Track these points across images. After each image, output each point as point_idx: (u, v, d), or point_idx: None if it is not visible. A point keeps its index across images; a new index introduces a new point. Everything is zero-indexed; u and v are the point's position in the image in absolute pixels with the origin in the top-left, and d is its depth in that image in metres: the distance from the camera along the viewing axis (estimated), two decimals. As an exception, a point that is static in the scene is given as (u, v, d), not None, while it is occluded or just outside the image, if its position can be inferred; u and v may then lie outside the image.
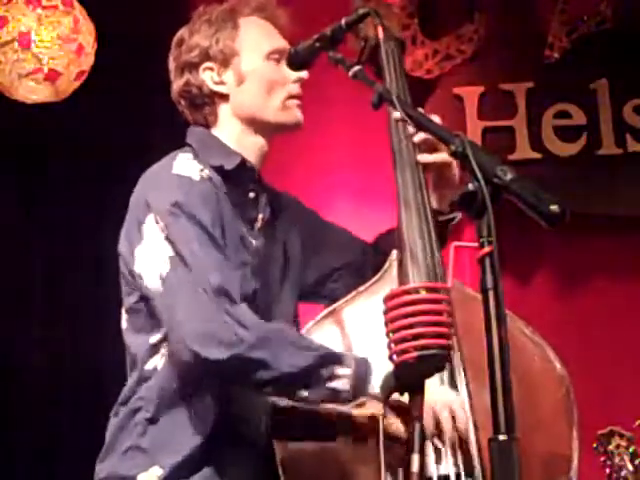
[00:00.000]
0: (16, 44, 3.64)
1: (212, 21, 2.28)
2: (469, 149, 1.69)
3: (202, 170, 2.17)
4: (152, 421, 2.12)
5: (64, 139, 4.14)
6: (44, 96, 3.76)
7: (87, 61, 3.76)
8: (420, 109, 2.14)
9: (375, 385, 1.97)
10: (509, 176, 1.63)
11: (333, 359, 1.99)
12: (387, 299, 1.83)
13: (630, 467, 3.07)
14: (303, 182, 3.65)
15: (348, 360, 2.00)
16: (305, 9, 3.99)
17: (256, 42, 2.28)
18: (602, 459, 3.11)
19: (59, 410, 4.06)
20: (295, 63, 2.20)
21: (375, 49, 2.31)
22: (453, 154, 1.73)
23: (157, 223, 2.10)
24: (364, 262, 2.41)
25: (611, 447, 3.10)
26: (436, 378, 1.99)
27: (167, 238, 2.07)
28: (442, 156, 2.16)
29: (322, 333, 2.15)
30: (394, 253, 2.24)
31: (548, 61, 4.32)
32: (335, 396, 1.99)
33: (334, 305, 2.20)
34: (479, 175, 1.63)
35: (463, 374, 2.07)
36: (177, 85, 2.29)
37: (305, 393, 2.00)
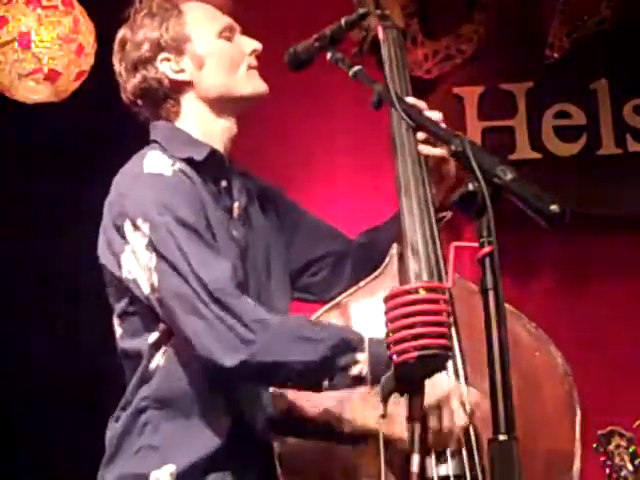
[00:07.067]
0: (16, 44, 3.64)
1: (154, 13, 2.23)
2: (469, 149, 1.69)
3: (173, 164, 2.12)
4: (163, 418, 2.08)
5: (64, 139, 4.13)
6: (44, 96, 3.76)
7: (87, 61, 3.76)
8: (422, 103, 2.15)
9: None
10: (509, 176, 1.63)
11: (348, 346, 1.93)
12: (387, 299, 1.83)
13: (630, 467, 3.07)
14: (304, 186, 3.64)
15: (363, 343, 1.94)
16: (305, 9, 4.01)
17: (205, 23, 2.26)
18: (602, 459, 3.11)
19: (59, 411, 4.07)
20: (294, 63, 2.20)
21: (376, 40, 2.31)
22: (453, 154, 1.73)
23: (137, 228, 2.05)
24: (343, 255, 2.38)
25: (611, 447, 3.09)
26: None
27: (150, 244, 2.02)
28: (442, 151, 2.13)
29: None
30: (394, 247, 2.22)
31: (548, 61, 4.32)
32: (358, 382, 1.94)
33: (334, 301, 2.18)
34: (479, 175, 1.63)
35: (462, 370, 2.05)
36: (132, 85, 2.24)
37: (327, 383, 1.95)
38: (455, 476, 1.97)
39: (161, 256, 2.02)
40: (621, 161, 4.28)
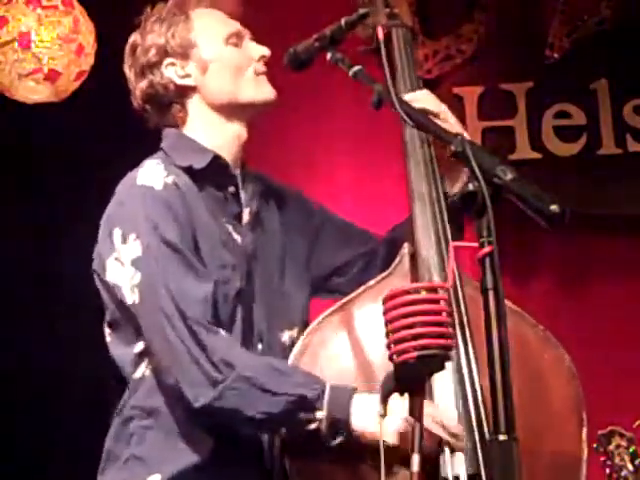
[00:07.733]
0: (16, 44, 3.64)
1: (163, 19, 2.26)
2: (469, 149, 1.69)
3: (167, 176, 2.14)
4: (149, 429, 2.10)
5: (64, 139, 4.13)
6: (44, 96, 3.76)
7: (87, 61, 3.76)
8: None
9: (358, 420, 1.97)
10: (509, 176, 1.63)
11: (308, 405, 1.98)
12: (386, 299, 1.83)
13: (630, 467, 3.07)
14: (304, 186, 3.63)
15: (322, 400, 1.97)
16: (306, 10, 4.01)
17: (212, 29, 2.27)
18: (602, 459, 3.11)
19: (59, 411, 4.07)
20: (294, 63, 2.20)
21: (387, 36, 2.30)
22: (453, 154, 1.73)
23: (127, 242, 2.08)
24: (372, 255, 2.39)
25: (611, 447, 3.09)
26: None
27: (137, 262, 2.07)
28: None
29: (331, 329, 2.14)
30: (406, 246, 2.21)
31: (548, 61, 4.32)
32: (315, 436, 1.98)
33: (344, 299, 2.18)
34: (479, 175, 1.63)
35: (475, 369, 2.06)
36: (140, 90, 2.26)
37: (284, 431, 2.03)
38: (469, 476, 1.97)
39: (145, 277, 2.06)
40: (621, 161, 4.28)
